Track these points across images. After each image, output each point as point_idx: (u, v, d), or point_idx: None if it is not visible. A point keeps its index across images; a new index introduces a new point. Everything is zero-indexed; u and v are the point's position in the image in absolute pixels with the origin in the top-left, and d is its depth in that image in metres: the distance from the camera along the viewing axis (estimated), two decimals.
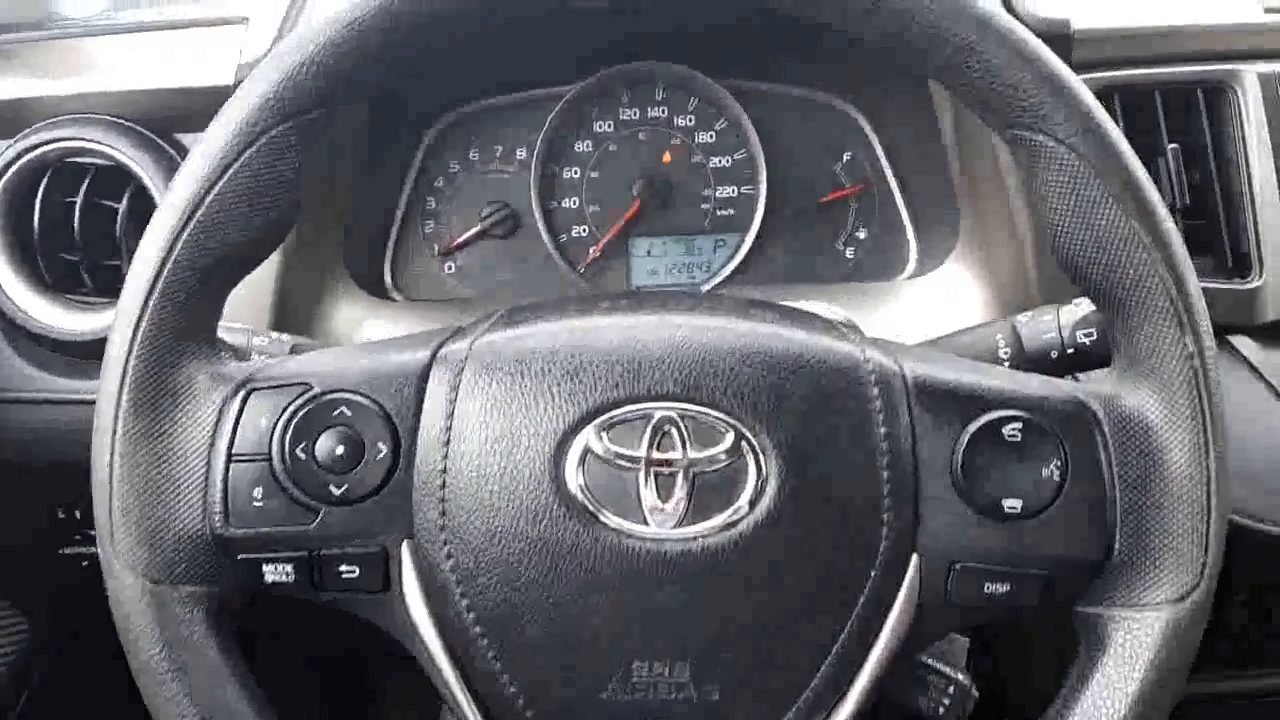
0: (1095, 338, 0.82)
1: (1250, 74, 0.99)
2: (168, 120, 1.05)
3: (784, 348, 0.68)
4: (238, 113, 0.66)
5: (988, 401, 0.68)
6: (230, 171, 0.65)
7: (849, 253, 1.25)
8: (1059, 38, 1.00)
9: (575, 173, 1.24)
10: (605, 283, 1.25)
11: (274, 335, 0.86)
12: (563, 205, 1.25)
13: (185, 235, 0.65)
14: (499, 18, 0.66)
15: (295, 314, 1.07)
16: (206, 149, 0.66)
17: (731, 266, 1.24)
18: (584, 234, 1.25)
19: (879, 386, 0.67)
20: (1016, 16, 0.99)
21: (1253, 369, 1.00)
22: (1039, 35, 0.99)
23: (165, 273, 0.65)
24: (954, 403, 0.68)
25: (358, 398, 0.67)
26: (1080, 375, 0.85)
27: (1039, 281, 1.03)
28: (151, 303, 0.65)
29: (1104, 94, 1.00)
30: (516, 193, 1.23)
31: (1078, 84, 0.66)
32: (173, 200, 0.66)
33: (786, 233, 1.24)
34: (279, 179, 0.67)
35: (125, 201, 1.04)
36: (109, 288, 1.07)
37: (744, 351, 0.67)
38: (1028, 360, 0.84)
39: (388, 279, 1.23)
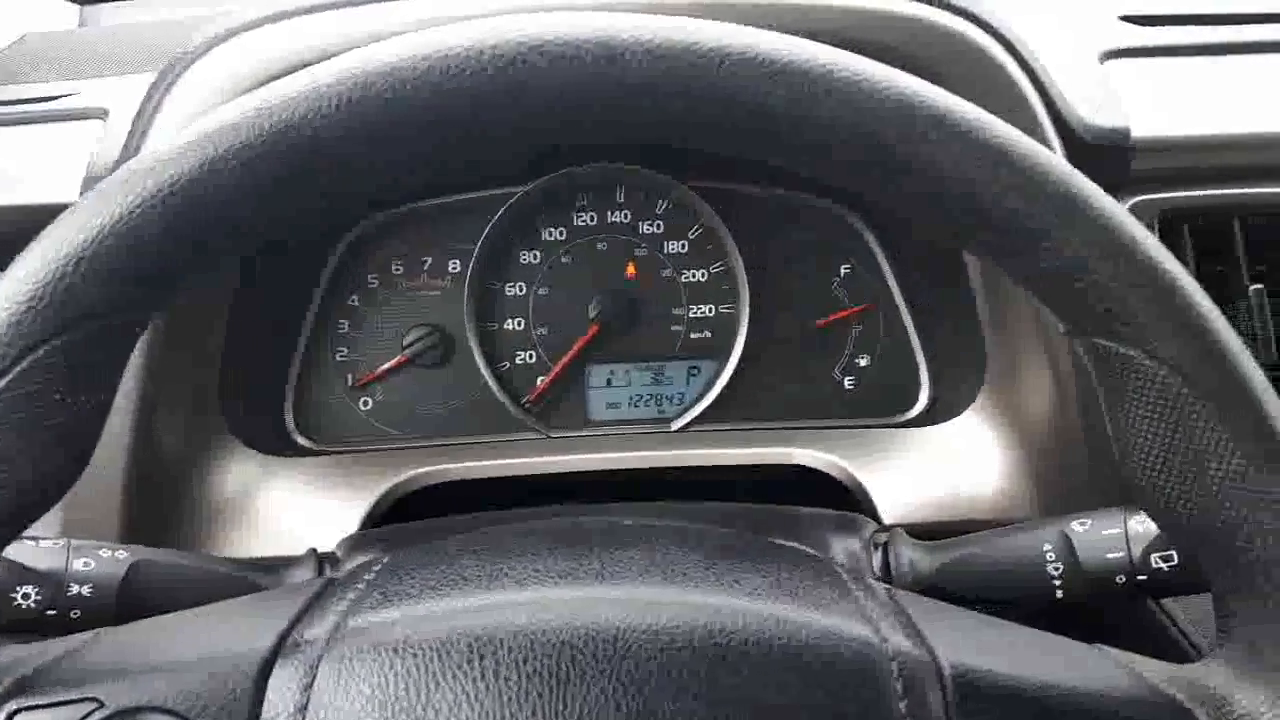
0: (1178, 564, 0.63)
1: None
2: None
3: (767, 636, 0.48)
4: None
5: (1057, 711, 0.48)
6: None
7: (848, 383, 1.05)
8: (1116, 149, 0.80)
9: (520, 289, 1.04)
10: (556, 418, 1.04)
11: (107, 551, 0.66)
12: (505, 327, 1.04)
13: None
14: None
15: (171, 482, 0.86)
16: None
17: (708, 399, 1.03)
18: (530, 361, 1.04)
19: (908, 697, 0.47)
20: (1066, 125, 0.79)
21: None
22: (1093, 145, 0.82)
23: None
24: (1011, 713, 0.48)
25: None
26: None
27: (1089, 451, 0.82)
28: None
29: (1170, 220, 0.80)
30: (448, 313, 1.03)
31: (1189, 283, 0.47)
32: None
33: (773, 359, 1.04)
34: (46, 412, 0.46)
35: None
36: None
37: (709, 645, 0.47)
38: (1084, 581, 0.68)
39: (290, 421, 1.02)
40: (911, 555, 0.75)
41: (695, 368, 1.05)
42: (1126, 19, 0.97)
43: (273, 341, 1.00)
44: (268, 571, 0.73)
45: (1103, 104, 0.80)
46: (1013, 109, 0.78)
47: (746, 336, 1.03)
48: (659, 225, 1.04)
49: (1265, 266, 0.81)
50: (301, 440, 1.02)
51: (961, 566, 0.74)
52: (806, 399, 1.05)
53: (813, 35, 0.77)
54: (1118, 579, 0.67)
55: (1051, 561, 0.70)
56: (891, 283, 1.03)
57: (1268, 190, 0.80)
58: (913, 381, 1.04)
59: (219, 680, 0.48)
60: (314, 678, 0.47)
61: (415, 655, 0.47)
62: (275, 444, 0.98)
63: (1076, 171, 0.47)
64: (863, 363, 1.05)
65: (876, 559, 0.76)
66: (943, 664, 0.49)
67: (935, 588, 0.75)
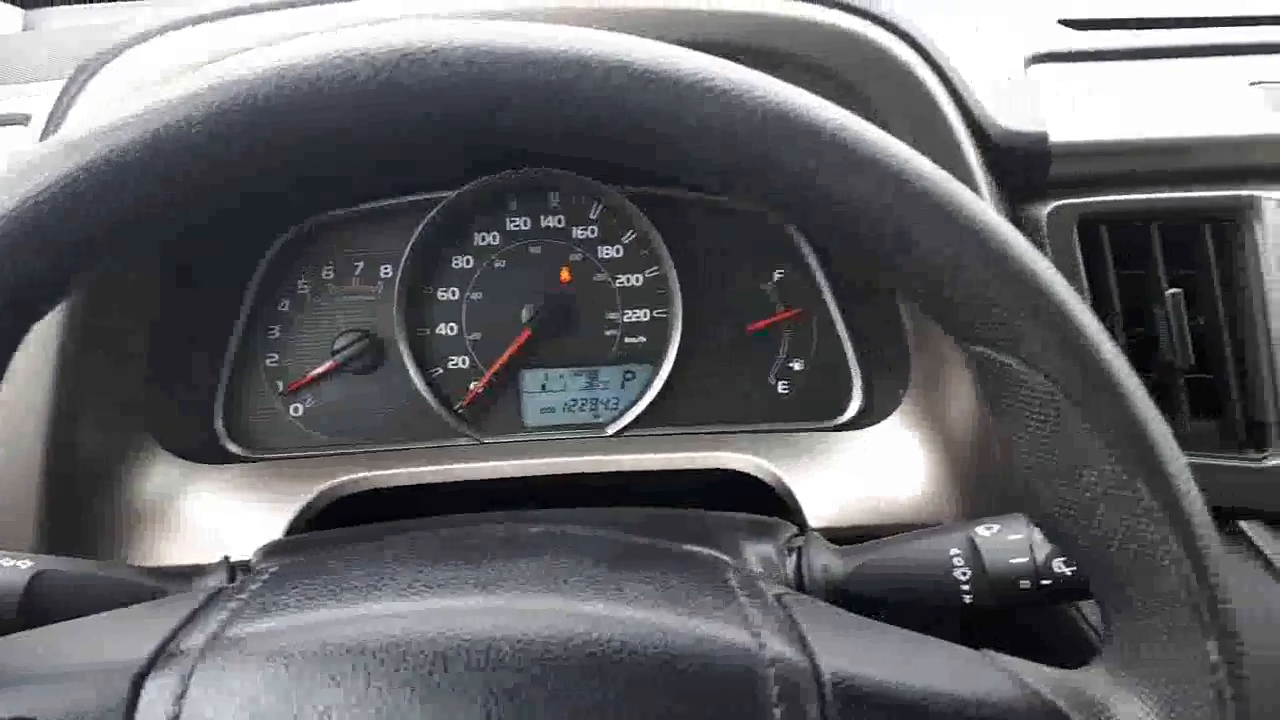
0: (1079, 569, 0.63)
1: (1271, 201, 0.79)
2: None
3: (643, 644, 0.47)
4: None
5: (936, 718, 0.48)
6: None
7: (781, 388, 1.05)
8: (1034, 154, 0.80)
9: (452, 294, 1.03)
10: (490, 423, 1.04)
11: (9, 560, 0.66)
12: (437, 333, 1.03)
13: None
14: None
15: (90, 489, 0.85)
16: None
17: (643, 404, 1.03)
18: (464, 366, 1.04)
19: (784, 703, 0.47)
20: (982, 130, 0.79)
21: (1267, 564, 0.80)
22: (1010, 150, 0.82)
23: None
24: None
25: None
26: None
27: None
28: None
29: (1089, 224, 0.80)
30: (380, 319, 1.02)
31: (1064, 287, 0.47)
32: None
33: (707, 364, 1.04)
34: None
35: None
36: None
37: (582, 655, 0.47)
38: (991, 586, 0.67)
39: (219, 426, 1.01)
40: (825, 560, 0.75)
41: (630, 373, 1.04)
42: (1065, 23, 0.97)
43: (203, 347, 0.99)
44: (178, 580, 0.72)
45: (1021, 109, 0.80)
46: (923, 113, 0.78)
47: (680, 342, 1.02)
48: (593, 230, 1.04)
49: (1183, 270, 0.81)
50: (232, 447, 1.01)
51: (873, 571, 0.74)
52: (741, 403, 1.04)
53: (715, 42, 0.78)
54: (1022, 584, 0.67)
55: (959, 566, 0.70)
56: (824, 288, 1.03)
57: (1186, 195, 0.80)
58: (845, 386, 1.03)
59: (94, 690, 0.47)
60: (187, 688, 0.47)
61: (288, 666, 0.47)
62: (204, 450, 0.97)
63: (949, 177, 0.47)
64: (796, 367, 1.04)
65: (790, 564, 0.76)
66: (822, 671, 0.48)
67: (847, 592, 0.75)
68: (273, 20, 0.81)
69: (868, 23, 0.78)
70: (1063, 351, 0.47)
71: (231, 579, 0.73)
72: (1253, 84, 0.87)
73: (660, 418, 1.04)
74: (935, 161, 0.76)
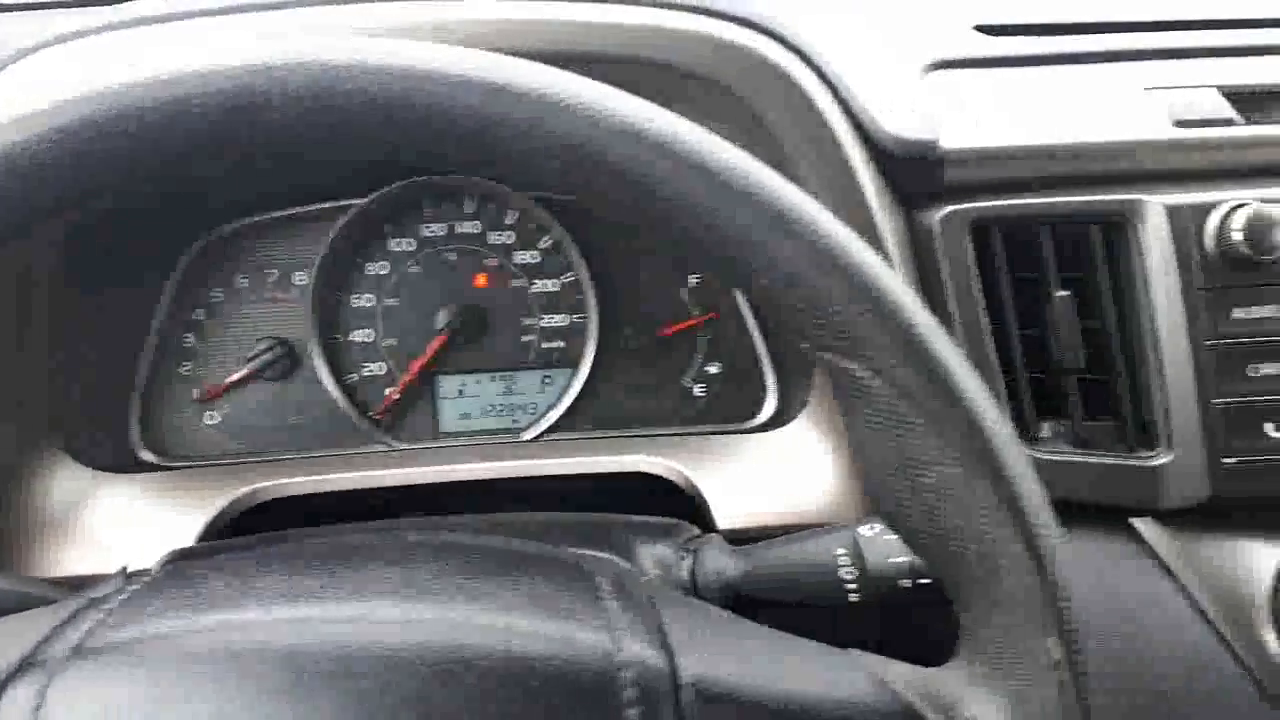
0: None
1: (1155, 205, 0.81)
2: None
3: (499, 650, 0.48)
4: None
5: (790, 715, 0.49)
6: None
7: (697, 391, 1.06)
8: (926, 161, 0.81)
9: (368, 300, 1.03)
10: (407, 430, 1.04)
11: None
12: (352, 339, 1.04)
13: None
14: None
15: None
16: None
17: (560, 409, 1.04)
18: (380, 372, 1.04)
19: (640, 705, 0.48)
20: (870, 136, 0.80)
21: (1159, 562, 0.81)
22: (901, 157, 0.84)
23: None
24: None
25: None
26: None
27: None
28: None
29: (982, 229, 0.82)
30: (295, 325, 1.02)
31: (902, 291, 0.48)
32: None
33: (624, 368, 1.05)
34: None
35: None
36: None
37: (437, 662, 0.47)
38: (874, 584, 0.70)
39: (134, 434, 1.00)
40: (720, 562, 0.76)
41: (548, 377, 1.05)
42: (980, 29, 0.98)
43: (115, 355, 0.99)
44: (71, 590, 0.72)
45: (913, 116, 0.81)
46: (809, 122, 0.79)
47: (596, 346, 1.03)
48: (509, 236, 1.04)
49: (1077, 274, 0.82)
50: (146, 455, 1.01)
51: (764, 571, 0.75)
52: (658, 407, 1.05)
53: (595, 54, 0.79)
54: (902, 583, 0.68)
55: (845, 565, 0.71)
56: (737, 292, 1.04)
57: (1075, 199, 0.82)
58: (760, 389, 1.05)
59: None
60: (44, 699, 0.47)
61: (146, 675, 0.47)
62: (118, 458, 0.97)
63: (791, 187, 0.47)
64: (712, 371, 1.05)
65: (686, 565, 0.77)
66: (681, 673, 0.49)
67: (741, 593, 0.76)
68: (167, 34, 0.81)
69: (744, 29, 0.79)
70: (902, 356, 0.47)
71: None
72: (1148, 89, 0.88)
73: (578, 422, 1.04)
74: (823, 170, 0.78)
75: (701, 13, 0.78)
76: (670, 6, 0.78)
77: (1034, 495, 0.48)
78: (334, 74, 0.44)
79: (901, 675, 0.53)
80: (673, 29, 0.79)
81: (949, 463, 0.48)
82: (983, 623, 0.50)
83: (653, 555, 0.77)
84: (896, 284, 0.48)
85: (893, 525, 0.53)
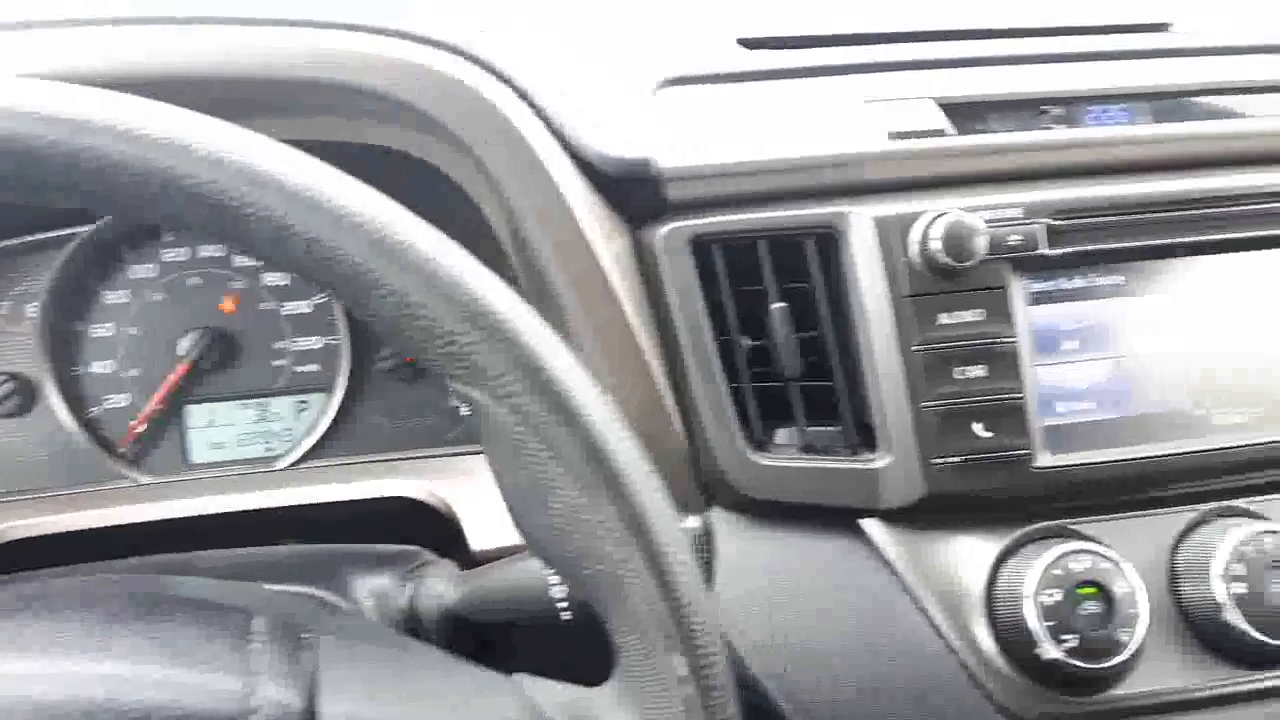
0: None
1: (863, 216, 0.83)
2: None
3: (119, 698, 0.47)
4: None
5: None
6: None
7: (464, 410, 1.05)
8: (644, 180, 0.82)
9: (107, 329, 1.00)
10: (155, 463, 1.01)
11: None
12: (92, 370, 1.00)
13: None
14: None
15: None
16: None
17: (315, 435, 1.02)
18: (124, 404, 1.00)
19: None
20: (578, 155, 0.81)
21: (883, 561, 0.84)
22: (617, 177, 0.85)
23: None
24: None
25: None
26: None
27: None
28: None
29: (703, 245, 0.83)
30: (29, 359, 0.98)
31: (520, 316, 0.48)
32: None
33: (383, 391, 1.04)
34: None
35: None
36: None
37: (57, 714, 0.46)
38: (582, 606, 0.71)
39: None
40: (439, 588, 0.76)
41: (303, 402, 1.03)
42: (742, 43, 0.99)
43: None
44: None
45: (628, 136, 0.83)
46: (513, 147, 0.79)
47: (350, 369, 1.02)
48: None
49: (798, 284, 0.85)
50: None
51: (480, 595, 0.75)
52: (417, 429, 1.04)
53: (282, 80, 0.78)
54: None
55: (556, 585, 0.72)
56: None
57: (788, 213, 0.84)
58: None
59: None
60: None
61: None
62: None
63: (399, 215, 0.47)
64: None
65: (407, 593, 0.77)
66: (320, 714, 0.49)
67: (459, 616, 0.76)
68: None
69: (439, 52, 0.79)
70: (520, 382, 0.48)
71: None
72: (868, 102, 0.91)
73: (335, 448, 1.03)
74: (532, 192, 0.78)
75: (405, 38, 0.78)
76: (328, 27, 0.77)
77: (658, 514, 0.49)
78: None
79: (557, 698, 0.54)
80: (349, 50, 0.77)
81: (573, 487, 0.49)
82: (621, 642, 0.51)
83: (369, 586, 0.77)
84: (513, 308, 0.48)
85: (535, 551, 0.54)
